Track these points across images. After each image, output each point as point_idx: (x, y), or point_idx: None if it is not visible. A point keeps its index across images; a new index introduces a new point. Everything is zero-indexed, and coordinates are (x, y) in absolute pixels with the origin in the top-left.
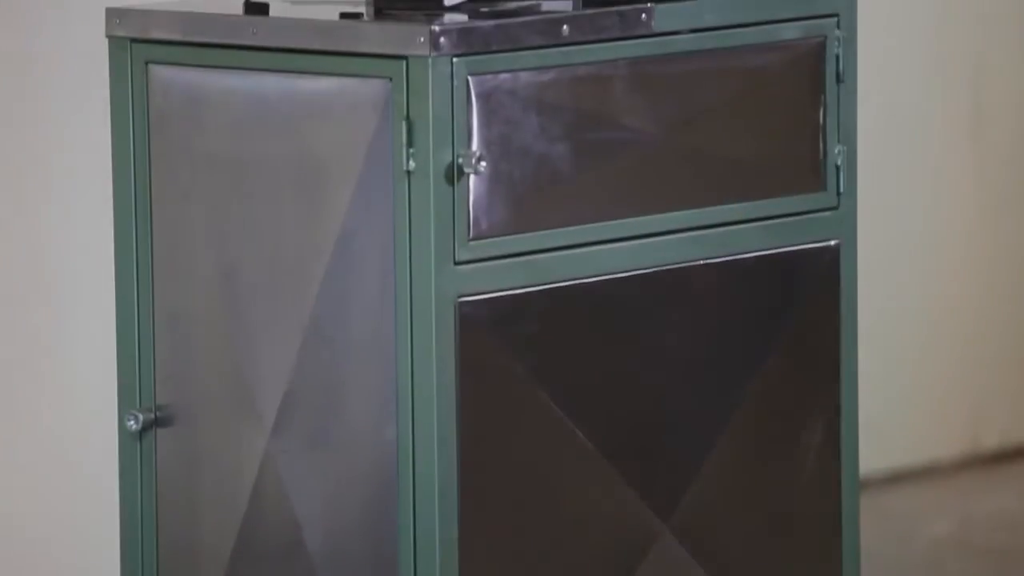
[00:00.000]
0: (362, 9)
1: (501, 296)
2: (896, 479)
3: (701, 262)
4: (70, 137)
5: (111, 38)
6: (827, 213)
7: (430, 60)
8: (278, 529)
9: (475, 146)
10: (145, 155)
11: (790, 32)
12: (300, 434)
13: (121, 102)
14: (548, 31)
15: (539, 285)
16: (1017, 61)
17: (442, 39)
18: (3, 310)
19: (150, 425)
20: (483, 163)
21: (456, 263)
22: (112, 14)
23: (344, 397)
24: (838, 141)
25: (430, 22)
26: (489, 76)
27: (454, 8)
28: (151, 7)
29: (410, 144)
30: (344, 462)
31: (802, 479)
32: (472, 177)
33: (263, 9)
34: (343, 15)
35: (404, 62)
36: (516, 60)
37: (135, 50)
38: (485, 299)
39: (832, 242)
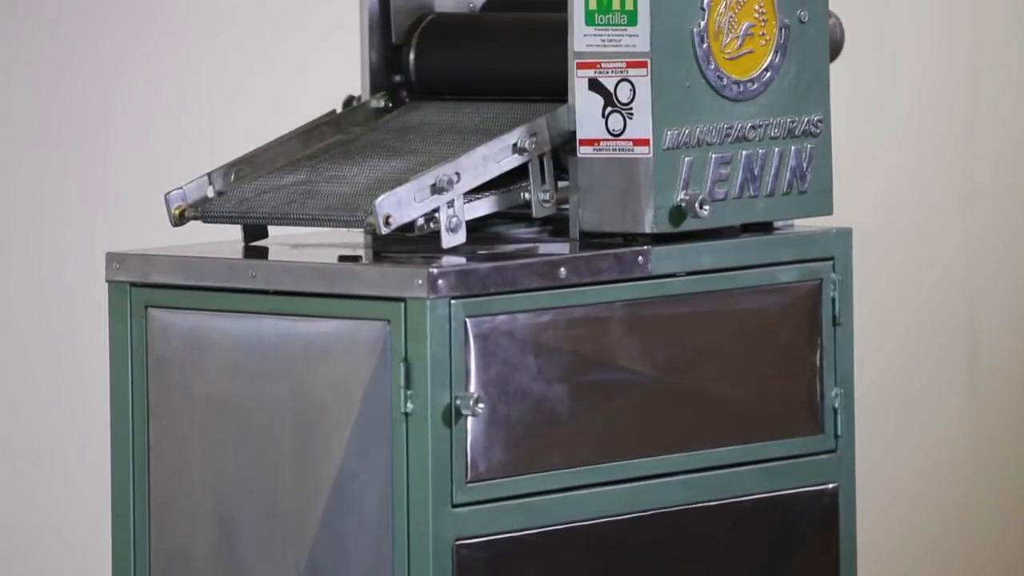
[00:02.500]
0: (360, 252)
1: (499, 539)
2: None
3: (699, 505)
4: (69, 381)
5: (111, 283)
6: (825, 456)
7: (428, 302)
8: None
9: (473, 388)
10: (144, 399)
11: (786, 275)
12: None
13: (120, 346)
14: (545, 273)
15: (537, 528)
16: (1011, 295)
17: (440, 281)
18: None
19: None
20: (481, 405)
21: (454, 506)
22: (112, 259)
23: None
24: (835, 384)
25: (428, 264)
26: (487, 318)
27: (452, 250)
28: (151, 252)
29: (407, 386)
30: None
31: None
32: (470, 419)
33: (262, 252)
34: (342, 258)
35: (402, 304)
36: (514, 302)
37: (135, 294)
38: (483, 542)
39: (830, 485)
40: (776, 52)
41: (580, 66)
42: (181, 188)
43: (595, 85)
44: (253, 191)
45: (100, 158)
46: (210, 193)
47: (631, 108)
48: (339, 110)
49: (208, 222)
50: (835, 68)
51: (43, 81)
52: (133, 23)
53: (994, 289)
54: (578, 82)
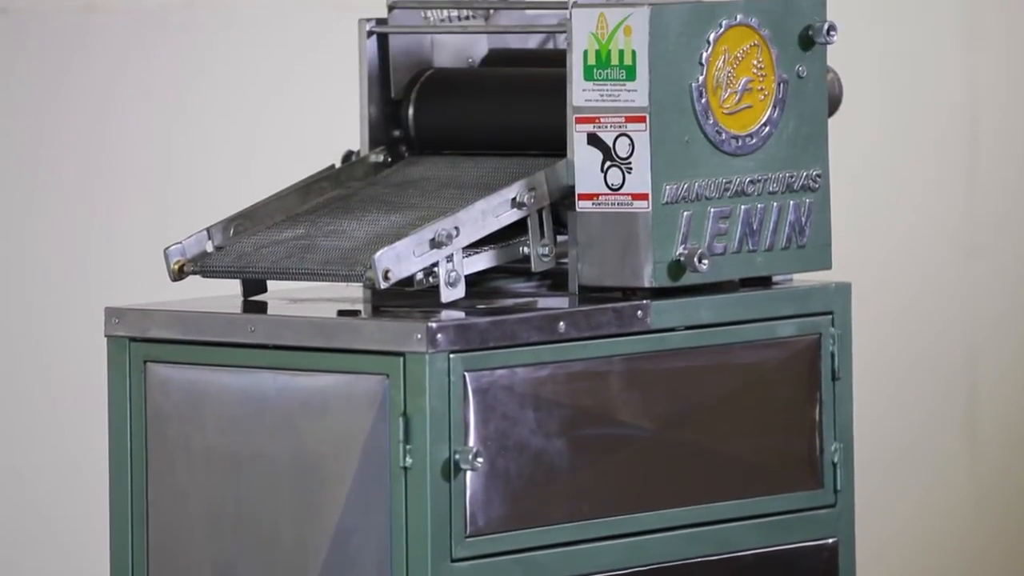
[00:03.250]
0: (360, 306)
1: None
2: None
3: (699, 559)
4: (68, 436)
5: (109, 337)
6: (824, 511)
7: (427, 357)
8: None
9: (472, 442)
10: (143, 453)
11: (785, 329)
12: None
13: (119, 401)
14: (544, 327)
15: None
16: (1010, 352)
17: (439, 335)
18: None
19: None
20: (480, 459)
21: (453, 560)
22: (111, 314)
23: None
24: (834, 439)
25: (427, 318)
26: (486, 372)
27: (451, 305)
28: (150, 307)
29: (406, 440)
30: None
31: None
32: (469, 473)
33: (261, 307)
34: (341, 312)
35: (401, 359)
36: (513, 356)
37: (134, 349)
38: None
39: (830, 540)
40: (775, 107)
41: (579, 120)
42: (180, 243)
43: (594, 140)
44: (252, 246)
45: (99, 212)
46: (209, 248)
47: (630, 162)
48: (338, 165)
49: (207, 277)
50: (834, 123)
51: (40, 133)
52: (131, 76)
53: (993, 346)
54: (577, 136)
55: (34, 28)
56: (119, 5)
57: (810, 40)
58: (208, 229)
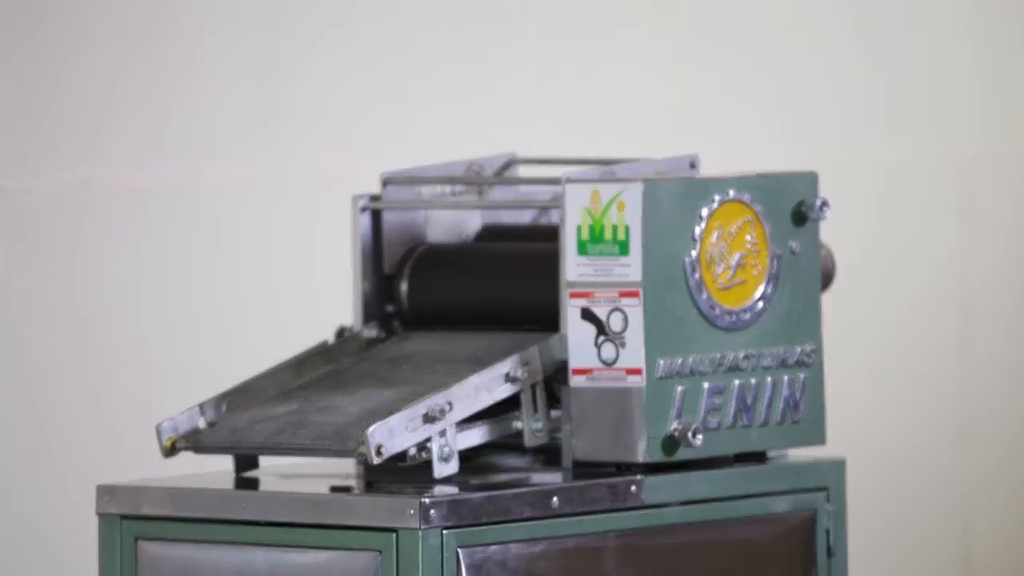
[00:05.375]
0: (352, 482)
1: None
2: None
3: None
4: None
5: (101, 516)
6: None
7: (420, 533)
8: None
9: None
10: None
11: (780, 505)
12: None
13: None
14: (538, 503)
15: None
16: (1004, 530)
17: (432, 511)
18: None
19: None
20: None
21: None
22: (103, 492)
23: None
24: None
25: (420, 494)
26: (479, 548)
27: (444, 480)
28: (142, 484)
29: None
30: None
31: None
32: None
33: (253, 483)
34: (333, 488)
35: (394, 535)
36: (506, 532)
37: (125, 527)
38: None
39: None
40: (768, 282)
41: (573, 295)
42: (172, 419)
43: (588, 314)
44: (245, 421)
45: (92, 388)
46: (201, 424)
47: (624, 337)
48: (331, 341)
49: (199, 453)
50: (827, 298)
51: (35, 307)
52: (126, 251)
53: (986, 524)
54: (571, 311)
55: (30, 205)
56: (114, 182)
57: (803, 216)
58: (201, 405)
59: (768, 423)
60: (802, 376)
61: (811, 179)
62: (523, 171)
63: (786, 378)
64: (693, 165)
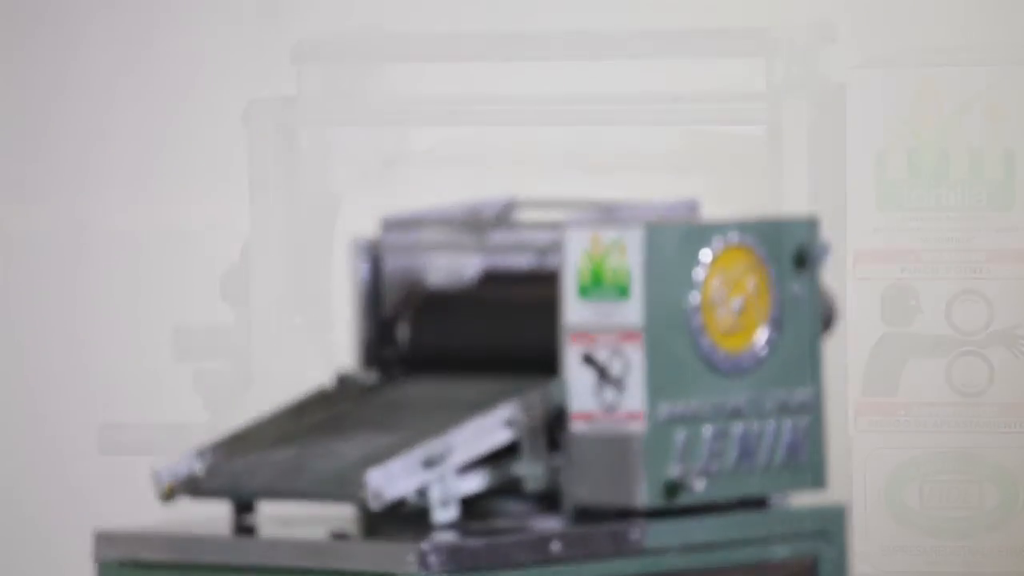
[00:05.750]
0: (351, 527)
1: None
2: None
3: None
4: None
5: (100, 563)
6: None
7: None
8: None
9: None
10: None
11: (781, 551)
12: None
13: None
14: (538, 548)
15: None
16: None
17: (431, 557)
18: None
19: None
20: None
21: None
22: (102, 538)
23: None
24: None
25: (419, 540)
26: None
27: (443, 526)
28: (141, 530)
29: None
30: None
31: None
32: None
33: (252, 529)
34: (333, 534)
35: None
36: None
37: (124, 575)
38: None
39: None
40: (770, 326)
41: (573, 339)
42: (170, 464)
43: (588, 359)
44: (243, 466)
45: (84, 436)
46: (199, 469)
47: (624, 382)
48: (330, 386)
49: (198, 498)
50: (829, 341)
51: (33, 348)
52: (121, 295)
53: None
54: (571, 356)
55: (26, 248)
56: (111, 228)
57: (804, 260)
58: (199, 450)
59: (769, 468)
60: (804, 421)
61: (812, 223)
62: (525, 212)
63: (788, 423)
64: (694, 208)
